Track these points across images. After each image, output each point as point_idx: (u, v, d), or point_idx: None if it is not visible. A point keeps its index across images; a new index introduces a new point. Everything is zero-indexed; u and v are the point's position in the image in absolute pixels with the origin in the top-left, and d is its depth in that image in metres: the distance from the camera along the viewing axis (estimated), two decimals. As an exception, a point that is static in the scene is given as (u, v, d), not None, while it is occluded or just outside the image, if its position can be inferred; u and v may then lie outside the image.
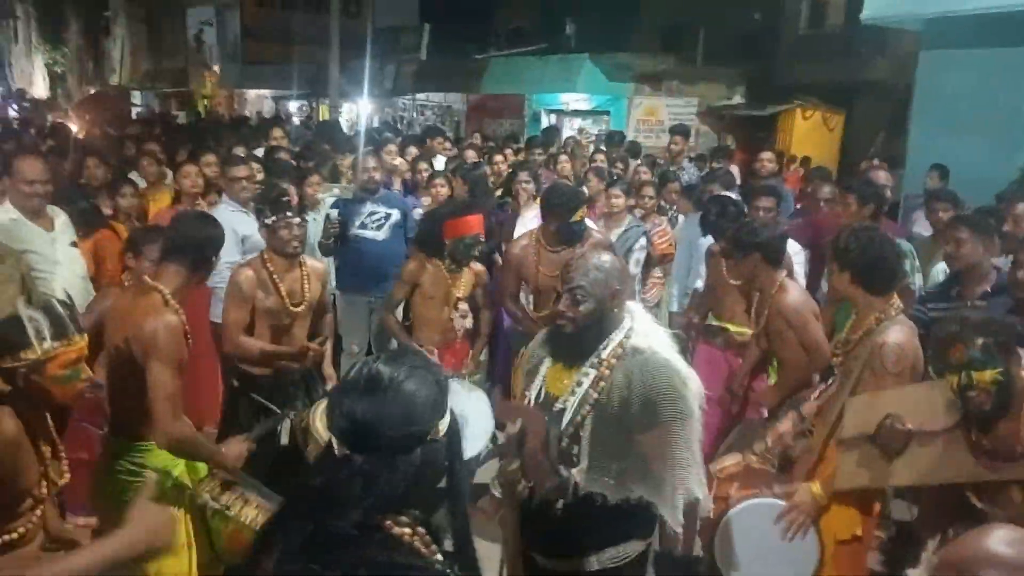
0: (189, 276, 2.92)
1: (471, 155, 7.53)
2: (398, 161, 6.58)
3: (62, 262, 4.12)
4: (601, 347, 2.41)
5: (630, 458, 2.35)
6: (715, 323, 4.26)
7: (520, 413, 2.36)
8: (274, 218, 3.66)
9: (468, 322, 4.23)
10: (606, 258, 2.47)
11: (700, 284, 4.94)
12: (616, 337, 2.42)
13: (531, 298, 4.59)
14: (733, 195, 4.96)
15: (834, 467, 2.82)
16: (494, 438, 3.73)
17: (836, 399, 2.95)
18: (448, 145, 8.43)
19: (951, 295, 3.87)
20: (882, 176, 5.56)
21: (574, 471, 2.37)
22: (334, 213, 5.29)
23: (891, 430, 2.60)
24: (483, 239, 4.18)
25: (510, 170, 6.36)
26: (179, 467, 2.88)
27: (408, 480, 1.34)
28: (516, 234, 5.38)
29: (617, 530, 2.44)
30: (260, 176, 5.45)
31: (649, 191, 5.81)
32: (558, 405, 2.41)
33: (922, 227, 5.26)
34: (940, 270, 4.37)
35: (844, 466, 2.76)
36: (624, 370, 2.36)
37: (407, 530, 1.36)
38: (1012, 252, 3.78)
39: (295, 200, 3.98)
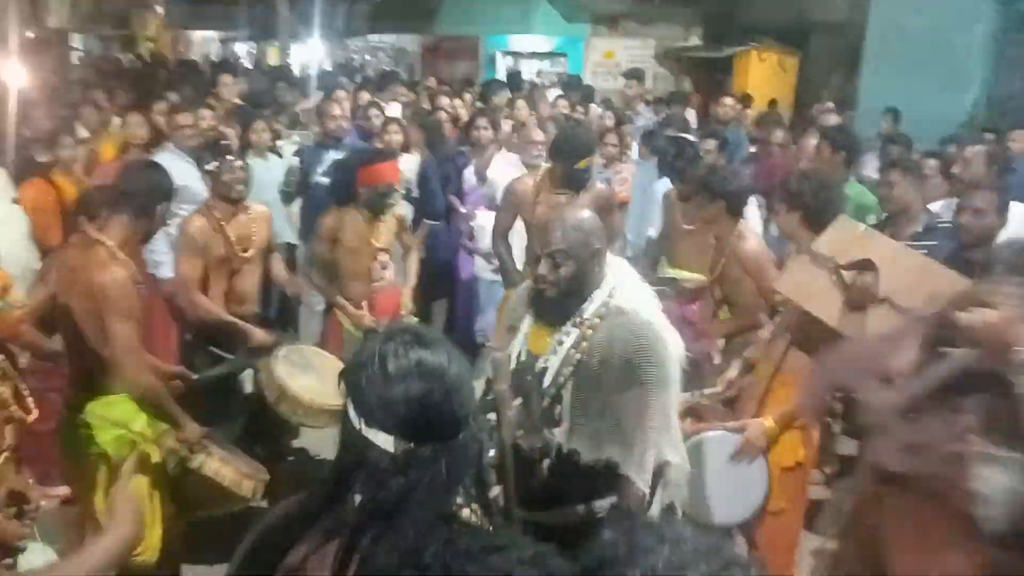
0: (134, 227, 2.87)
1: (427, 102, 7.42)
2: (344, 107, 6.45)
3: (3, 220, 4.00)
4: (584, 306, 2.37)
5: (607, 418, 2.33)
6: (667, 273, 4.29)
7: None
8: (216, 163, 3.62)
9: (390, 272, 4.14)
10: (584, 216, 2.41)
11: (653, 232, 4.96)
12: (599, 296, 2.37)
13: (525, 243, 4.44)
14: (691, 137, 4.96)
15: (783, 402, 2.93)
16: None
17: (780, 336, 3.06)
18: (404, 91, 8.27)
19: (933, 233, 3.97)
20: (832, 119, 5.61)
21: (556, 431, 2.36)
22: (295, 162, 5.21)
23: (862, 284, 2.63)
24: (397, 188, 4.08)
25: (469, 116, 6.29)
26: (140, 421, 2.85)
27: (468, 461, 1.34)
28: (477, 179, 5.36)
29: (601, 485, 2.40)
30: (205, 123, 5.33)
31: (612, 138, 5.80)
32: (540, 364, 2.38)
33: (872, 170, 5.33)
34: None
35: (798, 276, 2.89)
36: (607, 330, 2.33)
37: (466, 510, 1.37)
38: (958, 195, 3.89)
39: (235, 144, 3.90)
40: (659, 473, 2.40)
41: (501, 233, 4.40)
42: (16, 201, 4.18)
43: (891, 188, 4.08)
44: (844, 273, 2.71)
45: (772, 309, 3.59)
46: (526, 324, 2.48)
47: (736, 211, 3.77)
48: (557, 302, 2.37)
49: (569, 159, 4.13)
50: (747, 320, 3.77)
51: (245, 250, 3.70)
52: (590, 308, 2.36)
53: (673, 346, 2.37)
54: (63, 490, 2.32)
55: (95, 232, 2.83)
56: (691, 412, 3.13)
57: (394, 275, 4.24)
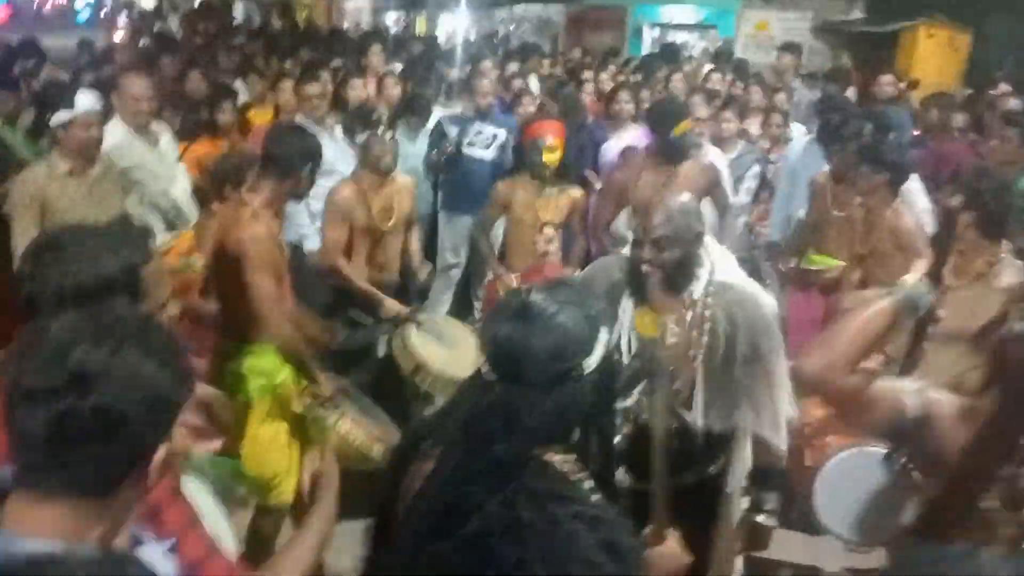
0: (279, 189, 2.96)
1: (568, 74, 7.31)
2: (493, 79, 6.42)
3: (167, 177, 4.24)
4: (691, 287, 2.40)
5: (738, 390, 2.39)
6: (809, 263, 4.07)
7: None
8: (366, 135, 3.69)
9: (553, 247, 4.13)
10: (685, 199, 2.43)
11: (802, 213, 4.71)
12: (703, 275, 2.42)
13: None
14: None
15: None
16: None
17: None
18: (547, 64, 8.20)
19: None
20: (1010, 104, 5.11)
21: (691, 412, 2.40)
22: (453, 132, 5.24)
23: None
24: (555, 146, 4.04)
25: (611, 90, 6.16)
26: (284, 373, 3.00)
27: (549, 415, 1.36)
28: (610, 154, 5.25)
29: (717, 451, 2.50)
30: (355, 93, 5.44)
31: (776, 118, 5.55)
32: (659, 349, 2.40)
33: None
34: None
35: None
36: (723, 307, 2.37)
37: (559, 457, 1.39)
38: None
39: (384, 115, 3.97)
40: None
41: (604, 223, 4.34)
42: (179, 160, 4.43)
43: None
44: None
45: None
46: (627, 308, 2.46)
47: (897, 185, 3.58)
48: (663, 285, 2.39)
49: (663, 128, 4.04)
50: None
51: (388, 220, 3.78)
52: (698, 288, 2.40)
53: (773, 309, 2.45)
54: (216, 442, 2.43)
55: (243, 194, 2.95)
56: (832, 425, 2.91)
57: (559, 255, 4.23)
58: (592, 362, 1.38)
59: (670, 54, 9.38)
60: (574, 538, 1.26)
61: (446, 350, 3.51)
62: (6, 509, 1.07)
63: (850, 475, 2.71)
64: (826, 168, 4.23)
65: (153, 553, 1.13)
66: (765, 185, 5.30)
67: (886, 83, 6.11)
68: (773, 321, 2.42)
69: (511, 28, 17.20)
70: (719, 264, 2.46)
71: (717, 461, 2.49)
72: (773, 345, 2.39)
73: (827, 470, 2.76)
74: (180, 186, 4.28)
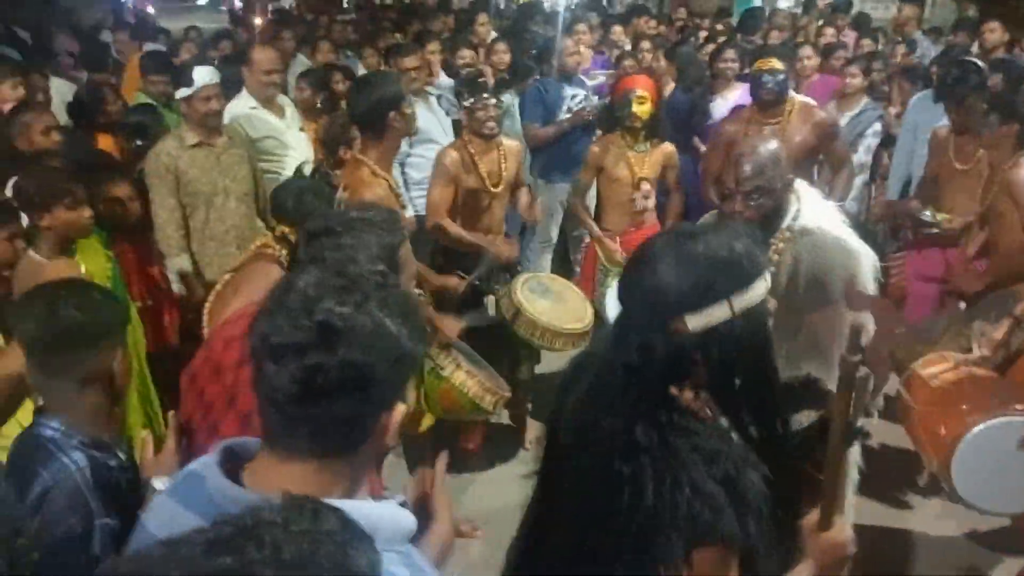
0: (377, 141, 3.03)
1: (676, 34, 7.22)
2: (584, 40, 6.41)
3: (293, 147, 4.48)
4: (774, 233, 2.40)
5: (802, 337, 2.34)
6: (926, 216, 3.95)
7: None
8: (472, 100, 3.79)
9: (650, 203, 4.15)
10: (773, 148, 2.40)
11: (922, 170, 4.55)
12: (784, 221, 2.40)
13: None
14: (977, 62, 4.45)
15: None
16: None
17: None
18: (654, 24, 8.10)
19: None
20: None
21: None
22: (594, 100, 5.29)
23: None
24: (645, 98, 4.04)
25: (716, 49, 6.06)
26: None
27: (656, 358, 1.33)
28: (717, 113, 5.19)
29: (801, 401, 2.37)
30: (463, 61, 5.53)
31: (859, 66, 5.35)
32: None
33: None
34: None
35: None
36: (793, 252, 2.35)
37: (690, 395, 1.37)
38: None
39: (490, 81, 4.04)
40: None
41: (712, 179, 4.25)
42: (302, 130, 4.66)
43: None
44: None
45: None
46: None
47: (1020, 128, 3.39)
48: None
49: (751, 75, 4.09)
50: (1007, 272, 3.40)
51: (496, 185, 3.87)
52: (776, 233, 2.39)
53: (864, 257, 2.35)
54: None
55: (356, 155, 3.09)
56: (966, 391, 2.82)
57: (654, 212, 4.26)
58: (706, 319, 1.32)
59: (760, 13, 9.12)
60: (688, 467, 1.26)
61: (550, 302, 3.59)
62: (250, 470, 1.09)
63: (992, 446, 2.62)
64: (946, 122, 4.08)
65: (388, 508, 1.13)
66: (889, 143, 5.15)
67: (989, 30, 5.77)
68: (852, 268, 2.34)
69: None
70: (807, 210, 2.42)
71: (798, 412, 2.35)
72: (843, 291, 2.32)
73: (968, 441, 2.63)
74: (304, 154, 4.51)
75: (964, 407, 2.70)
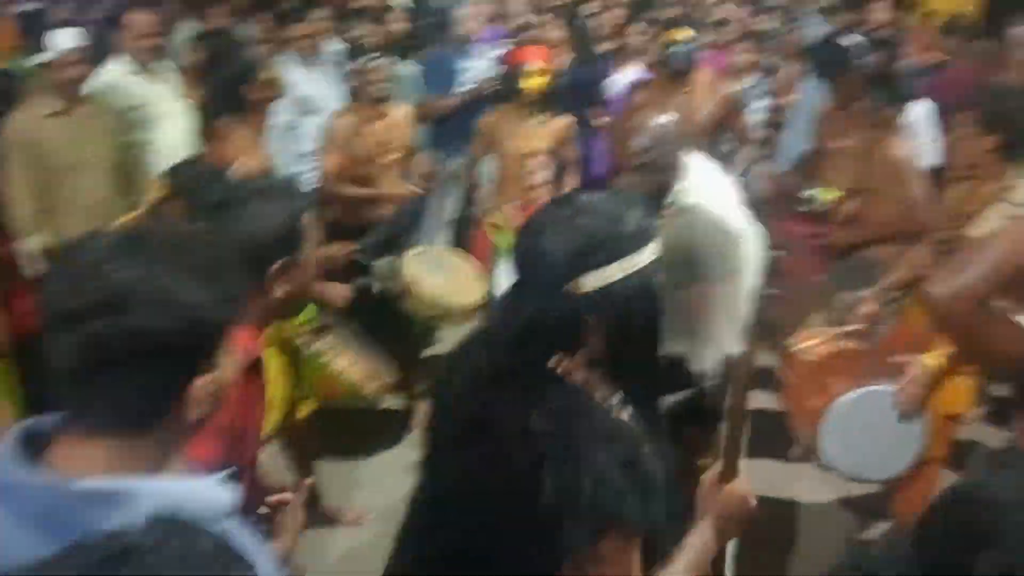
0: (242, 116, 3.00)
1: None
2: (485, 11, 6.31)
3: (172, 115, 4.24)
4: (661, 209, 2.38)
5: (672, 315, 2.31)
6: (806, 193, 4.06)
7: None
8: (357, 62, 3.68)
9: (542, 176, 4.08)
10: (665, 123, 2.38)
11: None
12: (670, 197, 2.36)
13: None
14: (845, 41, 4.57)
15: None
16: None
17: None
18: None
19: None
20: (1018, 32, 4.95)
21: None
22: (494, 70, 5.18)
23: None
24: (537, 72, 3.99)
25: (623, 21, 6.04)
26: None
27: (565, 321, 1.31)
28: (616, 87, 5.18)
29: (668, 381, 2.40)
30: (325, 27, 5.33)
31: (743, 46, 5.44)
32: None
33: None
34: None
35: None
36: (668, 228, 2.28)
37: (582, 373, 1.33)
38: None
39: (374, 43, 3.91)
40: (722, 367, 2.36)
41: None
42: (185, 97, 4.43)
43: None
44: None
45: (913, 229, 3.34)
46: None
47: (899, 112, 3.57)
48: None
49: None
50: (877, 237, 3.57)
51: (386, 153, 3.77)
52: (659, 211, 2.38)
53: (743, 238, 2.32)
54: None
55: (222, 130, 3.02)
56: (836, 363, 2.91)
57: (549, 186, 4.19)
58: (600, 279, 1.30)
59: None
60: (587, 453, 1.21)
61: (441, 277, 3.51)
62: (52, 451, 1.02)
63: (858, 415, 2.71)
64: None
65: (202, 485, 1.07)
66: (774, 121, 5.25)
67: (878, 8, 5.93)
68: (726, 248, 2.30)
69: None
70: (691, 186, 2.39)
71: (680, 387, 2.37)
72: (716, 272, 2.29)
73: (837, 410, 2.73)
74: (183, 123, 4.29)
75: (831, 380, 2.78)
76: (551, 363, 1.33)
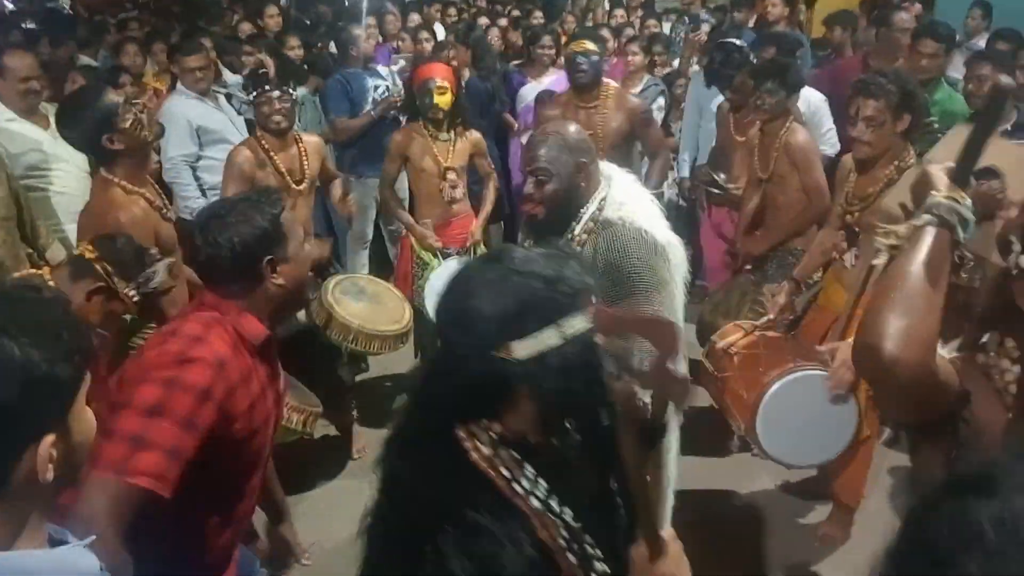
0: (113, 160, 2.84)
1: (483, 21, 7.19)
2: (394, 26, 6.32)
3: (64, 158, 4.04)
4: (574, 224, 2.33)
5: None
6: (721, 178, 4.18)
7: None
8: (255, 93, 3.61)
9: (459, 192, 4.09)
10: (568, 130, 2.37)
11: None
12: (588, 210, 2.33)
13: None
14: (738, 42, 4.72)
15: None
16: None
17: (865, 256, 2.87)
18: (451, 12, 8.05)
19: None
20: (905, 18, 5.22)
21: None
22: (399, 88, 5.16)
23: (985, 191, 2.10)
24: (445, 88, 3.97)
25: (527, 33, 6.10)
26: None
27: (464, 394, 1.24)
28: (528, 97, 5.22)
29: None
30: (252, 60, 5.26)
31: (659, 47, 5.58)
32: None
33: (960, 71, 4.92)
34: None
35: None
36: (593, 244, 2.30)
37: (484, 450, 1.24)
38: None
39: (272, 72, 3.84)
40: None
41: None
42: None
43: (981, 83, 3.86)
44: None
45: (819, 213, 3.46)
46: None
47: (791, 95, 3.71)
48: (547, 222, 2.32)
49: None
50: (788, 230, 3.71)
51: (298, 182, 3.70)
52: (580, 224, 2.33)
53: (668, 249, 2.31)
54: None
55: (103, 173, 2.87)
56: (760, 353, 2.95)
57: (467, 201, 4.19)
58: (526, 349, 1.20)
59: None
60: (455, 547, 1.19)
61: (364, 304, 3.47)
62: None
63: (791, 401, 2.74)
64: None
65: (73, 553, 1.03)
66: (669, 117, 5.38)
67: (772, 4, 6.17)
68: (651, 261, 2.27)
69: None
70: (613, 199, 2.35)
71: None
72: (644, 284, 2.26)
73: (769, 399, 2.74)
74: (77, 163, 4.09)
75: (761, 369, 2.82)
76: (459, 434, 1.25)
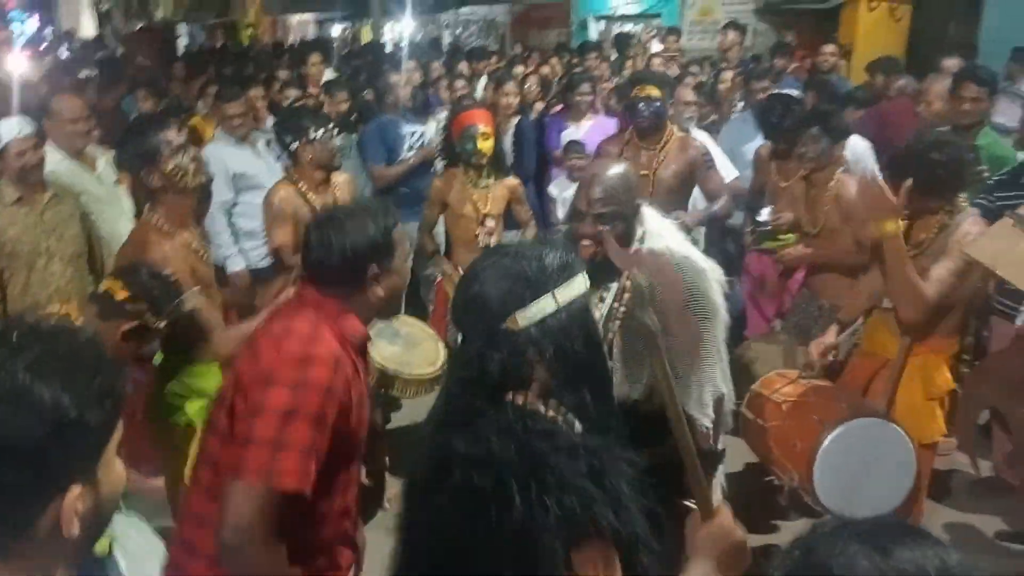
0: (157, 198, 2.94)
1: (519, 71, 7.28)
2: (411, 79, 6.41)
3: (108, 202, 4.12)
4: None
5: (671, 360, 2.28)
6: (764, 244, 4.11)
7: None
8: (318, 132, 3.69)
9: (495, 239, 4.06)
10: (623, 171, 2.38)
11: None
12: (633, 245, 2.34)
13: None
14: (795, 93, 4.69)
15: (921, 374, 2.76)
16: None
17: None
18: (493, 62, 8.19)
19: (1022, 183, 3.57)
20: (953, 64, 5.16)
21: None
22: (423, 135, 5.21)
23: None
24: (488, 134, 3.99)
25: (565, 80, 6.16)
26: None
27: (500, 364, 1.37)
28: (568, 139, 5.23)
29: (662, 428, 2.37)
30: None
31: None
32: None
33: (1004, 117, 4.86)
34: None
35: (995, 241, 2.56)
36: (652, 276, 2.25)
37: (537, 403, 1.40)
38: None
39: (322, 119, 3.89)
40: (716, 407, 2.35)
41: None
42: (118, 182, 4.31)
43: None
44: None
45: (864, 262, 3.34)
46: None
47: (836, 147, 3.69)
48: (600, 261, 2.28)
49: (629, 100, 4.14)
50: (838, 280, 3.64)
51: None
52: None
53: (712, 276, 2.31)
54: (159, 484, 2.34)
55: (146, 214, 2.99)
56: (811, 403, 2.86)
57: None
58: (534, 313, 1.39)
59: (620, 41, 9.48)
60: (551, 468, 1.26)
61: (399, 348, 3.42)
62: None
63: (850, 449, 2.65)
64: (763, 141, 4.28)
65: None
66: None
67: (828, 52, 6.15)
68: (703, 287, 2.29)
69: (457, 32, 17.18)
70: (652, 232, 2.37)
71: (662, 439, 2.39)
72: (699, 312, 2.28)
73: (826, 448, 2.65)
74: (122, 208, 4.17)
75: (815, 417, 2.73)
76: (505, 399, 1.39)
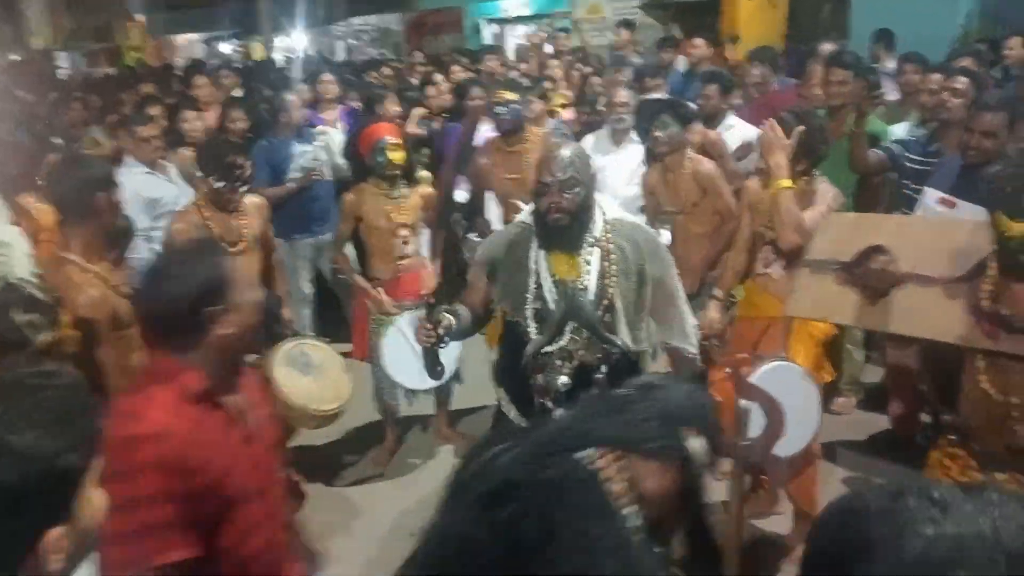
0: (82, 227, 2.79)
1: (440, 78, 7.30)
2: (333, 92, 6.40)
3: (9, 243, 3.99)
4: (591, 227, 2.64)
5: (654, 308, 2.73)
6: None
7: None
8: (223, 184, 3.67)
9: (411, 248, 4.12)
10: (575, 146, 2.78)
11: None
12: (598, 216, 2.67)
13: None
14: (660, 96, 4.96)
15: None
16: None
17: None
18: (389, 71, 8.20)
19: (930, 150, 3.91)
20: (827, 48, 5.46)
21: (619, 338, 2.64)
22: (322, 155, 5.27)
23: (878, 268, 2.32)
24: (397, 145, 4.05)
25: (455, 87, 6.24)
26: None
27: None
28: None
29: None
30: (188, 125, 5.28)
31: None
32: (579, 286, 2.63)
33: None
34: (902, 130, 4.52)
35: (806, 292, 2.61)
36: (624, 238, 2.66)
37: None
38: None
39: (247, 171, 3.83)
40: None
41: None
42: (15, 223, 4.17)
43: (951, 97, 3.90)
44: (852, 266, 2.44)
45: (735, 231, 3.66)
46: (539, 257, 2.65)
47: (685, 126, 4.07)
48: (569, 229, 2.59)
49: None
50: (710, 254, 4.03)
51: (234, 244, 3.65)
52: (597, 227, 2.65)
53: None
54: None
55: (57, 251, 2.77)
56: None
57: (419, 255, 4.22)
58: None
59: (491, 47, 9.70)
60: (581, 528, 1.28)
61: (310, 378, 3.26)
62: None
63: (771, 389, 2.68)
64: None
65: None
66: None
67: (697, 45, 6.41)
68: (662, 243, 2.81)
69: (349, 41, 17.07)
70: (604, 205, 2.73)
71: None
72: (669, 261, 2.77)
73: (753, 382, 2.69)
74: (21, 248, 4.04)
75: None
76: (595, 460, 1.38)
